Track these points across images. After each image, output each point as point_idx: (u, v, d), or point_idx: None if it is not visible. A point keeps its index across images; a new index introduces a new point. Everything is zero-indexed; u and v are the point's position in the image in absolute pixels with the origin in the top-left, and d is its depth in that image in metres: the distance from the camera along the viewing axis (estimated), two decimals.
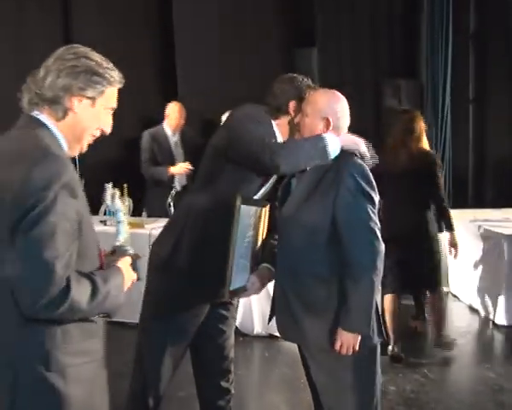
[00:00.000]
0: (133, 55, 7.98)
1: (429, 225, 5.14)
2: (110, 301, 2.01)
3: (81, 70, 1.98)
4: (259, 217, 3.06)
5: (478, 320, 6.18)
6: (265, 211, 3.10)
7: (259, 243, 3.12)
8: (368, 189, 2.78)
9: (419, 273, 5.11)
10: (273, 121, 3.07)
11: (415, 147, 5.05)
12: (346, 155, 2.89)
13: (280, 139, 3.06)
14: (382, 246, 2.77)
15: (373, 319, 2.85)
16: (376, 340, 2.88)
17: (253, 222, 3.02)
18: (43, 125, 1.99)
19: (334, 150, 2.82)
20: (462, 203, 7.25)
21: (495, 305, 5.98)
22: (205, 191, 3.03)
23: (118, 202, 2.37)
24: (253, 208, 3.00)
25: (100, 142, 2.21)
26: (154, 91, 7.94)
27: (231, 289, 2.91)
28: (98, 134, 2.11)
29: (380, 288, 2.92)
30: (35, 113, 2.01)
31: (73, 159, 2.17)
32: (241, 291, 3.05)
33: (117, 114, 2.20)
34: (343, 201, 2.75)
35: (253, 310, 5.69)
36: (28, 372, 1.87)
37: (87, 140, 2.09)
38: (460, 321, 6.34)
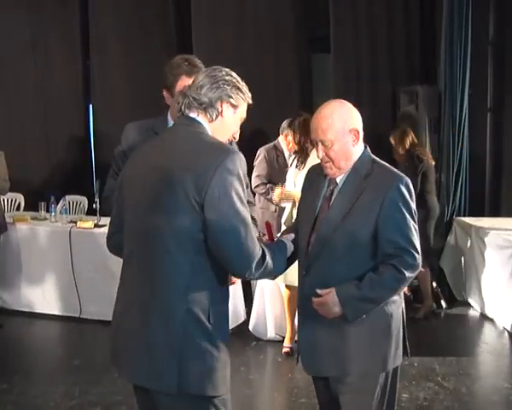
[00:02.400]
0: (151, 68, 8.07)
1: None
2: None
3: (229, 83, 2.51)
4: None
5: (493, 330, 6.14)
6: None
7: None
8: (411, 203, 2.73)
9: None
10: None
11: None
12: (381, 165, 2.84)
13: None
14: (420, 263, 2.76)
15: (399, 337, 2.83)
16: (401, 359, 2.88)
17: None
18: (201, 124, 2.50)
19: None
20: (478, 212, 7.21)
21: (510, 314, 5.93)
22: None
23: None
24: None
25: None
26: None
27: None
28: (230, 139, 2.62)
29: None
30: (192, 115, 2.50)
31: None
32: None
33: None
34: (388, 214, 2.69)
35: (267, 315, 5.68)
36: (195, 323, 2.37)
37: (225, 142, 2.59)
38: (475, 330, 6.32)
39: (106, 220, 6.66)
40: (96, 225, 6.45)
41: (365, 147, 2.86)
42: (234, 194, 2.33)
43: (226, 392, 2.48)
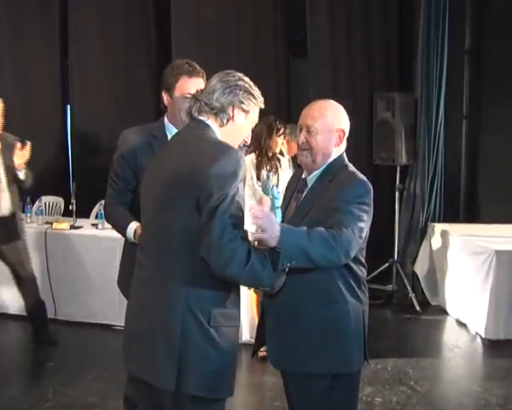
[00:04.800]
0: (131, 69, 8.07)
1: None
2: (280, 279, 2.52)
3: (241, 89, 2.55)
4: None
5: (466, 334, 6.20)
6: None
7: None
8: (366, 204, 2.72)
9: None
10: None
11: None
12: (349, 170, 2.86)
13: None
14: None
15: (358, 342, 2.83)
16: (362, 364, 2.89)
17: None
18: (210, 128, 2.54)
19: None
20: (453, 218, 7.28)
21: (483, 319, 6.00)
22: None
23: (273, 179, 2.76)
24: None
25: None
26: (151, 99, 7.99)
27: None
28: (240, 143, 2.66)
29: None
30: (202, 118, 2.55)
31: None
32: None
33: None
34: (340, 206, 2.67)
35: (242, 318, 5.68)
36: (194, 324, 2.39)
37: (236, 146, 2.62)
38: (448, 335, 6.39)
39: (82, 222, 6.66)
40: (72, 227, 6.41)
41: (342, 153, 2.91)
42: (227, 191, 2.33)
43: (226, 397, 2.53)
